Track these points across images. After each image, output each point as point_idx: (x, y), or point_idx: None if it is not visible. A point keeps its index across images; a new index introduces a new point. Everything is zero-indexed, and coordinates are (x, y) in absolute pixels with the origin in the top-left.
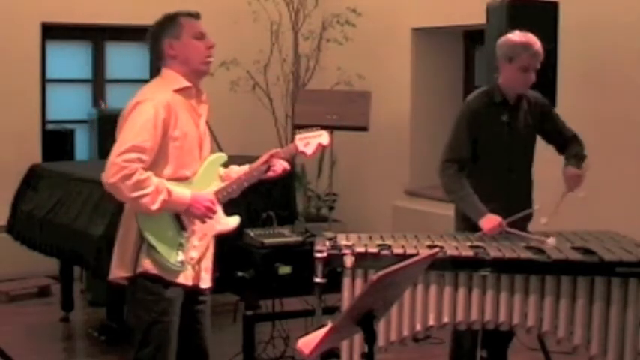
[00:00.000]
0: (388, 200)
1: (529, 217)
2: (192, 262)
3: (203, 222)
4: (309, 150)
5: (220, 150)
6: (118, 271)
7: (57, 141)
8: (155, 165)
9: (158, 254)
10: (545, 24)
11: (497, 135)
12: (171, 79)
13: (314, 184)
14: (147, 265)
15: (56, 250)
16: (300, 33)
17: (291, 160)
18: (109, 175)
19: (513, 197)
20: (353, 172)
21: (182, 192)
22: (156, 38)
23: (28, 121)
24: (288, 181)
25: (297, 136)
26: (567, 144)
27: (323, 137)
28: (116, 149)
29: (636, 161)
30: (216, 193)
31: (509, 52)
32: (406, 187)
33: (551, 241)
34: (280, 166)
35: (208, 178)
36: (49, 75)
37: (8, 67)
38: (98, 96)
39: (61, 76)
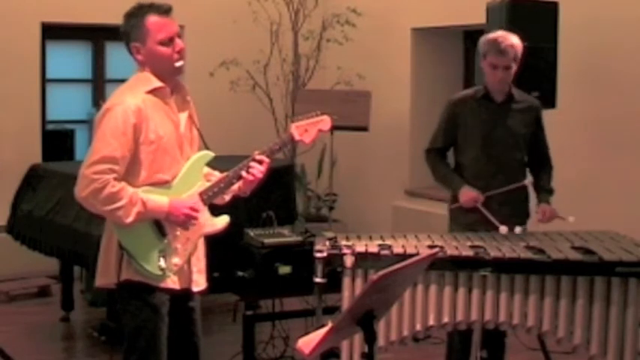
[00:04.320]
0: (388, 200)
1: (526, 214)
2: (175, 268)
3: (186, 229)
4: (308, 138)
5: (207, 149)
6: (102, 279)
7: (57, 141)
8: (129, 171)
9: (137, 264)
10: (545, 24)
11: (474, 128)
12: (144, 80)
13: (314, 184)
14: (130, 273)
15: (56, 250)
16: (300, 33)
17: (290, 150)
18: (80, 189)
19: (492, 190)
20: (353, 172)
21: (159, 200)
22: (125, 40)
23: (28, 121)
24: (288, 181)
25: (294, 124)
26: (541, 167)
27: (323, 122)
28: (87, 160)
29: (636, 161)
30: (201, 194)
31: (482, 48)
32: (406, 187)
33: (502, 229)
34: (265, 164)
35: (192, 179)
36: (49, 75)
37: (8, 67)
38: (98, 96)
39: (61, 76)
